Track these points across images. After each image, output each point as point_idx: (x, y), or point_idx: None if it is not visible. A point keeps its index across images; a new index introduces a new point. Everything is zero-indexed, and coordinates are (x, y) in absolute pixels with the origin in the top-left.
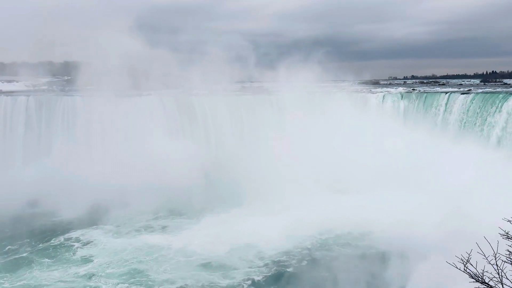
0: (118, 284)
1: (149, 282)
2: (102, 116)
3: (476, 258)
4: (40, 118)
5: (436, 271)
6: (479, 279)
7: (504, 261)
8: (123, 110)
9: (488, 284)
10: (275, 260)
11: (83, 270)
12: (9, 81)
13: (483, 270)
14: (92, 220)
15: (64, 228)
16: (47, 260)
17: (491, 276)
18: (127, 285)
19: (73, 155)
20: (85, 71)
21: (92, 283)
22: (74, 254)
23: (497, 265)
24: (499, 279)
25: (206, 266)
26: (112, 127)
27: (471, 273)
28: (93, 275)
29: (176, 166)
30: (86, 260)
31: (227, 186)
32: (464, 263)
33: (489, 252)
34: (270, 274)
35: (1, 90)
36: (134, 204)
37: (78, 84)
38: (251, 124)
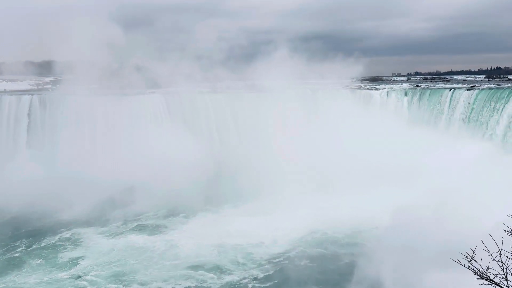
0: (103, 285)
1: (137, 283)
2: (106, 114)
3: (480, 255)
4: (44, 117)
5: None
6: (484, 275)
7: (509, 258)
8: (126, 108)
9: (493, 281)
10: (267, 261)
11: (69, 272)
12: (13, 80)
13: (487, 267)
14: (92, 219)
15: (62, 227)
16: (36, 261)
17: (495, 272)
18: (113, 286)
19: (77, 154)
20: (88, 70)
21: (77, 285)
22: (64, 255)
23: (501, 261)
24: (503, 275)
25: (196, 267)
26: (115, 126)
27: (476, 269)
28: (79, 276)
29: (180, 164)
30: (75, 261)
31: (229, 185)
32: (469, 260)
33: (493, 249)
34: (260, 276)
35: (5, 89)
36: (137, 203)
37: (81, 83)
38: (254, 122)
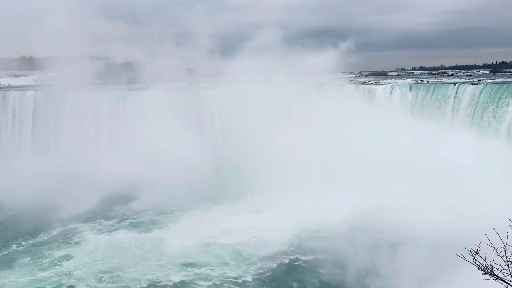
0: (87, 284)
1: (123, 281)
2: (110, 110)
3: (485, 250)
4: (48, 113)
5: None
6: (488, 271)
7: None
8: (130, 104)
9: (497, 276)
10: (255, 260)
11: (49, 272)
12: (18, 76)
13: (492, 262)
14: (91, 216)
15: (59, 224)
16: (24, 260)
17: (500, 268)
18: (99, 285)
19: (81, 149)
20: (92, 66)
21: (54, 285)
22: (51, 253)
23: (506, 257)
24: (508, 271)
25: (181, 266)
26: (119, 122)
27: (480, 265)
28: (65, 275)
29: (182, 161)
30: (59, 260)
31: (230, 182)
32: (473, 255)
33: (498, 244)
34: (247, 275)
35: (10, 84)
36: (137, 200)
37: (84, 78)
38: (258, 117)
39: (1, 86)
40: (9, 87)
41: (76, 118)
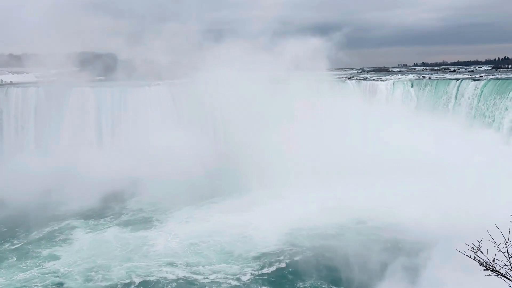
0: (72, 284)
1: (108, 280)
2: (111, 107)
3: (487, 246)
4: (49, 110)
5: None
6: (490, 267)
7: None
8: (131, 101)
9: (499, 272)
10: (244, 260)
11: (38, 271)
12: (19, 73)
13: (493, 258)
14: (87, 214)
15: (55, 222)
16: (11, 260)
17: (502, 264)
18: (83, 284)
19: (82, 147)
20: (94, 63)
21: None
22: (38, 252)
23: (508, 253)
24: (510, 267)
25: (166, 265)
26: (120, 119)
27: (482, 261)
28: (48, 274)
29: (182, 158)
30: (44, 260)
31: (228, 180)
32: (475, 251)
33: (500, 240)
34: (234, 274)
35: (12, 81)
36: (135, 198)
37: (88, 75)
38: (259, 115)
39: (3, 83)
40: (11, 83)
41: (77, 115)
